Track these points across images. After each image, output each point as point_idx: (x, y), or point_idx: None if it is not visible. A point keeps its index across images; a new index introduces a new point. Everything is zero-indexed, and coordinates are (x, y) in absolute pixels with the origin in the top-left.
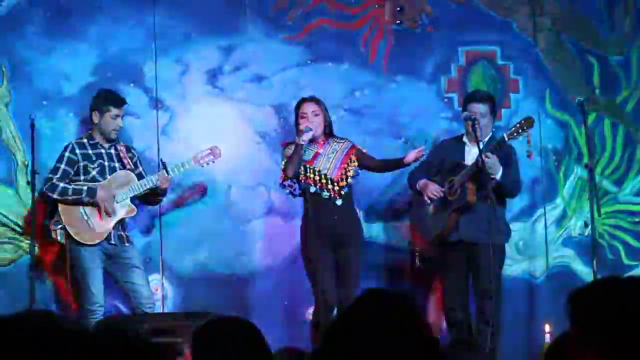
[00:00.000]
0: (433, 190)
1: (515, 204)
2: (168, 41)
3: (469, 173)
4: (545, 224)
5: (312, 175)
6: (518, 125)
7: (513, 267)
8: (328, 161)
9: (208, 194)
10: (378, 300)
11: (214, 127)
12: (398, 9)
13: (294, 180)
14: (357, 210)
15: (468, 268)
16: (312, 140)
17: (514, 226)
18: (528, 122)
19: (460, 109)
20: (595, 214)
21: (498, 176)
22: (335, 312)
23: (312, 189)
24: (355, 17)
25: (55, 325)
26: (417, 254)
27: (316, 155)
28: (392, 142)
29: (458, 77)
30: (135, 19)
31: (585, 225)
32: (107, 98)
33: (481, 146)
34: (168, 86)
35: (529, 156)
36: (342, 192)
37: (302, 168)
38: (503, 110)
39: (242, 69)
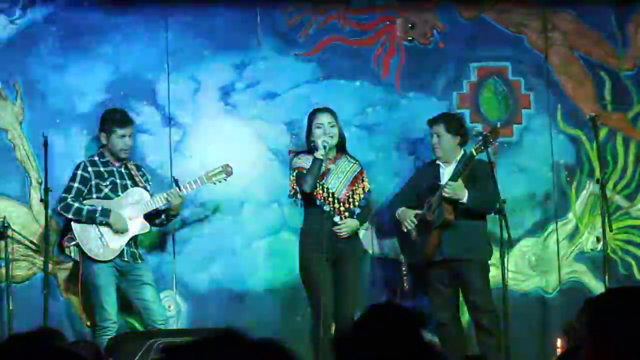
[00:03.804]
0: (407, 221)
1: (528, 219)
2: (181, 58)
3: (442, 195)
4: (557, 239)
5: (320, 191)
6: (484, 137)
7: (525, 282)
8: (337, 180)
9: (221, 210)
10: (385, 315)
11: (226, 144)
12: (410, 25)
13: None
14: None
15: (456, 284)
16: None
17: (527, 241)
18: (494, 133)
19: (472, 125)
20: (607, 229)
21: (464, 200)
22: (333, 327)
23: (318, 202)
24: (367, 34)
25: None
26: (404, 277)
27: (327, 171)
28: (404, 158)
29: (469, 93)
30: (148, 36)
31: (597, 240)
32: (112, 119)
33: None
34: (181, 103)
35: (491, 165)
36: (347, 214)
37: None
38: (514, 126)
39: (254, 86)
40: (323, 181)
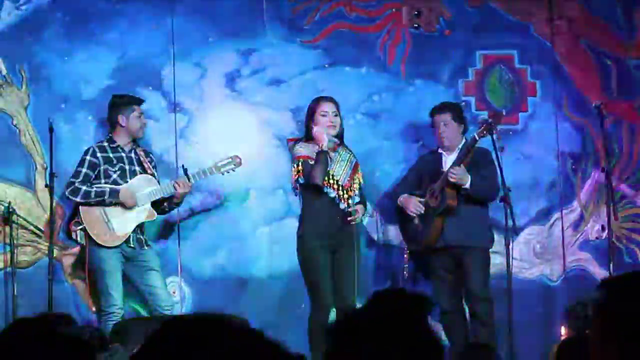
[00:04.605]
0: (414, 205)
1: (533, 207)
2: (186, 44)
3: (446, 179)
4: (562, 227)
5: (326, 178)
6: (487, 122)
7: (530, 270)
8: (340, 168)
9: (226, 196)
10: (393, 300)
11: (232, 130)
12: (415, 12)
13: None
14: (374, 212)
15: (458, 271)
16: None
17: (531, 229)
18: (497, 118)
19: (477, 113)
20: (612, 218)
21: (467, 185)
22: (332, 314)
23: (326, 190)
24: (373, 21)
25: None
26: (405, 266)
27: (330, 158)
28: (410, 145)
29: (475, 80)
30: (153, 22)
31: (602, 228)
32: (128, 100)
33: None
34: (186, 89)
35: (501, 150)
36: (350, 202)
37: None
38: (520, 114)
39: (260, 73)
40: (328, 168)
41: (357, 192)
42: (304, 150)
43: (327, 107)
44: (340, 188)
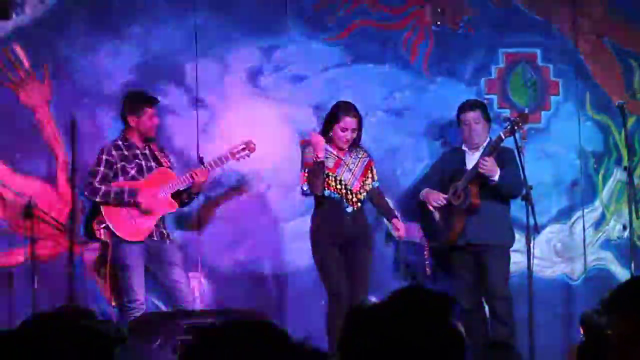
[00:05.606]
0: (436, 198)
1: (554, 206)
2: (209, 41)
3: (470, 176)
4: (584, 226)
5: (333, 184)
6: (513, 122)
7: (551, 269)
8: (349, 172)
9: (247, 191)
10: (416, 297)
11: (253, 126)
12: (439, 10)
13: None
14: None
15: (478, 269)
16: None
17: (553, 228)
18: (523, 118)
19: (500, 111)
20: (634, 217)
21: (496, 177)
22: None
23: (327, 193)
24: (396, 19)
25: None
26: (425, 262)
27: (338, 163)
28: (431, 143)
29: (498, 78)
30: (176, 18)
31: (624, 228)
32: (141, 99)
33: (479, 152)
34: (208, 85)
35: (519, 151)
36: (359, 204)
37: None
38: (543, 112)
39: (282, 69)
40: (336, 173)
41: (367, 191)
42: (312, 156)
43: (348, 124)
44: (349, 192)
